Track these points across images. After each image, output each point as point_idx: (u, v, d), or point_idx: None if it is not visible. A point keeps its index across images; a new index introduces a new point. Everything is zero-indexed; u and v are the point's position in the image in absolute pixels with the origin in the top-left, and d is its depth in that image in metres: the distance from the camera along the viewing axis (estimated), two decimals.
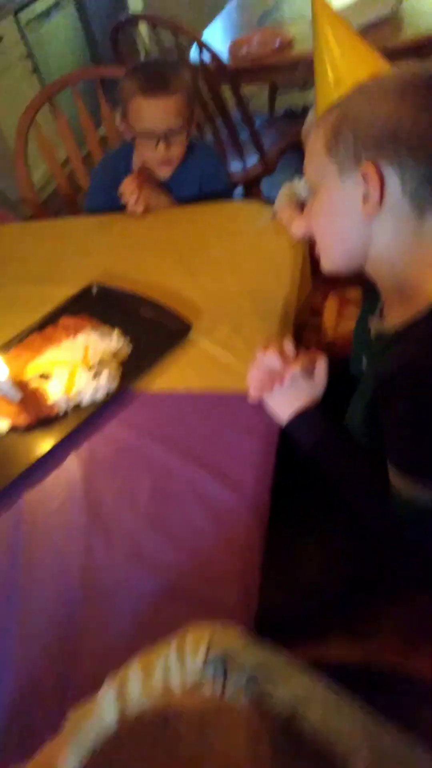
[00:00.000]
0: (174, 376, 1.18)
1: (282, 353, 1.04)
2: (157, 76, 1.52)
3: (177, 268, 1.45)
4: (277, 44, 2.37)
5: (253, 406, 1.06)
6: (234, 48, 2.43)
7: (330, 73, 0.76)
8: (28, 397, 1.15)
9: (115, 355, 1.22)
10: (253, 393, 1.05)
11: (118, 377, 1.17)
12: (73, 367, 1.18)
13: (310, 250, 1.41)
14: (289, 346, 1.05)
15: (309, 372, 1.03)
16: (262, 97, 3.78)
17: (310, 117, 1.27)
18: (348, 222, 0.84)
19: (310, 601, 1.02)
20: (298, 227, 1.42)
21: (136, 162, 1.74)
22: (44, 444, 1.10)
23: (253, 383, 1.05)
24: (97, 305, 1.36)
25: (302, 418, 1.00)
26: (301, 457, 0.99)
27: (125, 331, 1.26)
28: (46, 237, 1.72)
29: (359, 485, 0.94)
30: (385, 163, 0.78)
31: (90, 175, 1.91)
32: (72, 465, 1.08)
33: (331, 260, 0.93)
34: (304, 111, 3.54)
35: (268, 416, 1.04)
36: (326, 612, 1.01)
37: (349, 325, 1.43)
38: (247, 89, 3.18)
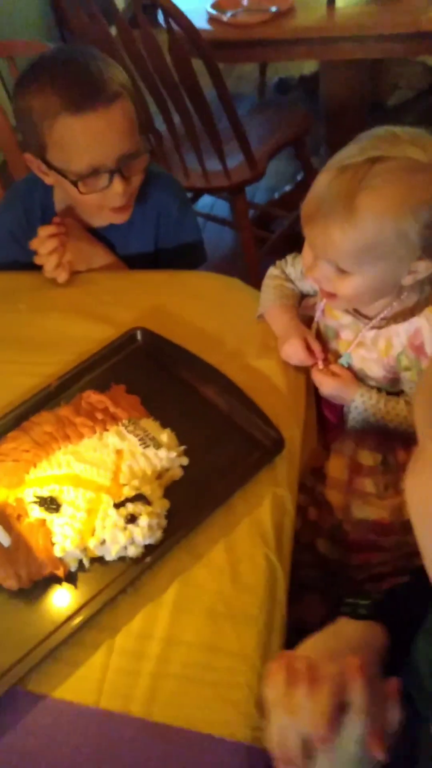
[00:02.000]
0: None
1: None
2: (85, 78, 0.92)
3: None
4: (273, 10, 1.66)
5: None
6: (216, 12, 1.71)
7: None
8: (22, 541, 0.74)
9: (160, 476, 0.79)
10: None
11: (162, 523, 0.75)
12: (96, 498, 0.76)
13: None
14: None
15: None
16: (246, 68, 2.93)
17: (318, 186, 0.76)
18: None
19: None
20: (293, 355, 0.90)
21: (59, 201, 1.14)
22: (40, 626, 0.70)
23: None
24: (140, 367, 0.91)
25: None
26: None
27: (181, 433, 0.83)
28: None
29: None
30: None
31: None
32: None
33: None
34: (302, 82, 2.75)
35: None
36: None
37: (364, 511, 0.96)
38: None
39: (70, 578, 0.72)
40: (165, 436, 0.80)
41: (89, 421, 0.81)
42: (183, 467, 0.79)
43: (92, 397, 0.85)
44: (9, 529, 0.73)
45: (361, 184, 0.71)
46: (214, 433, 0.81)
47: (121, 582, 0.70)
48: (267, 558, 0.73)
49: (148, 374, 0.89)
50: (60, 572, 0.71)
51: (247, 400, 0.82)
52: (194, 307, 1.01)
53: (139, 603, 0.71)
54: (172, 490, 0.78)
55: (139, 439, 0.79)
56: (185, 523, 0.73)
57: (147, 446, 0.79)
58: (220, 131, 1.66)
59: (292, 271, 0.99)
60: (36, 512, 0.74)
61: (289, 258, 1.00)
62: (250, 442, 0.80)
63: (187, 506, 0.75)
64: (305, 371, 0.91)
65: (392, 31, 1.60)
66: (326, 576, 1.10)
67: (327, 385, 0.88)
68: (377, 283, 0.78)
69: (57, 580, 0.72)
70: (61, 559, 0.72)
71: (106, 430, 0.81)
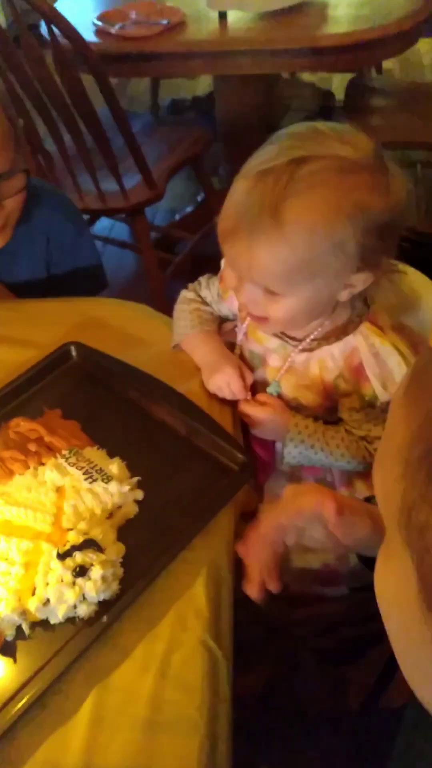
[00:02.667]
0: None
1: None
2: None
3: None
4: (163, 24, 1.60)
5: None
6: (103, 24, 1.63)
7: None
8: None
9: (111, 515, 0.67)
10: None
11: (118, 573, 0.62)
12: (35, 548, 0.62)
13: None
14: None
15: None
16: (138, 88, 2.90)
17: (236, 196, 0.65)
18: None
19: None
20: (225, 387, 0.77)
21: None
22: None
23: None
24: (77, 389, 0.79)
25: None
26: None
27: (132, 462, 0.71)
28: None
29: None
30: None
31: None
32: None
33: None
34: (195, 103, 2.76)
35: None
36: None
37: (305, 559, 0.87)
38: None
39: (7, 649, 0.58)
40: (114, 466, 0.67)
41: (20, 455, 0.67)
42: (138, 502, 0.67)
43: (21, 425, 0.71)
44: None
45: (285, 190, 0.60)
46: (172, 460, 0.70)
47: (73, 650, 0.56)
48: (204, 644, 0.58)
49: (88, 396, 0.76)
50: None
51: (207, 419, 0.71)
52: (98, 338, 0.83)
53: (45, 722, 0.54)
54: (126, 532, 0.65)
55: (84, 472, 0.66)
56: (146, 570, 0.61)
57: (93, 480, 0.66)
58: (115, 150, 1.54)
59: (207, 294, 0.86)
60: None
61: (202, 280, 0.88)
62: (214, 467, 0.69)
63: (146, 549, 0.63)
64: (231, 404, 0.78)
65: (285, 46, 1.56)
66: (266, 634, 0.99)
67: (257, 417, 0.76)
68: (313, 303, 0.68)
69: None
70: None
71: (42, 464, 0.68)
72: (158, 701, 0.55)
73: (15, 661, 0.57)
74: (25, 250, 0.98)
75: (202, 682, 0.56)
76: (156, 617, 0.60)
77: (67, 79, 1.42)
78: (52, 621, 0.59)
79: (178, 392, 0.74)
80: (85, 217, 2.05)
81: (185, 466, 0.69)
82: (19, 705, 0.53)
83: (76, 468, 0.67)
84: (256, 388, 0.81)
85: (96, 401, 0.75)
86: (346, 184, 0.61)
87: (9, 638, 0.58)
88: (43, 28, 1.43)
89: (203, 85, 2.85)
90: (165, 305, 0.92)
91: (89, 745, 0.53)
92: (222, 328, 0.87)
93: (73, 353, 0.80)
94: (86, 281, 1.06)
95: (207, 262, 0.88)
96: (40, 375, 0.78)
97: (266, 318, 0.70)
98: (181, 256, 1.88)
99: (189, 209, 2.23)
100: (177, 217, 2.24)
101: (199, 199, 2.21)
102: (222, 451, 0.69)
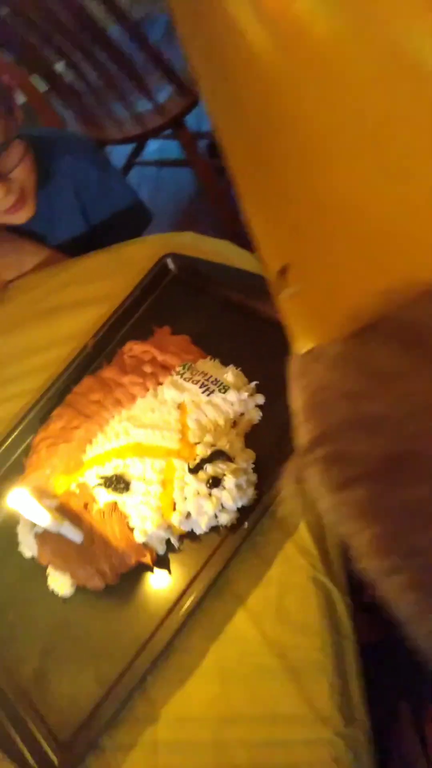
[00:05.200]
0: None
1: None
2: None
3: None
4: None
5: None
6: None
7: None
8: (96, 533, 0.61)
9: (235, 423, 0.64)
10: None
11: (252, 479, 0.60)
12: (168, 466, 0.62)
13: None
14: None
15: None
16: None
17: None
18: None
19: None
20: None
21: None
22: (144, 622, 0.58)
23: None
24: (181, 301, 0.75)
25: None
26: None
27: (248, 367, 0.67)
28: None
29: None
30: None
31: None
32: None
33: None
34: None
35: None
36: None
37: None
38: None
39: (162, 563, 0.59)
40: (230, 374, 0.64)
41: (138, 378, 0.66)
42: (261, 407, 0.64)
43: (134, 348, 0.69)
44: (78, 522, 0.60)
45: None
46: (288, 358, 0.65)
47: (224, 554, 0.56)
48: (315, 581, 0.54)
49: (193, 307, 0.72)
50: (147, 559, 0.58)
51: None
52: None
53: (172, 678, 0.54)
54: (253, 438, 0.62)
55: (200, 386, 0.64)
56: (278, 472, 0.59)
57: (211, 392, 0.63)
58: (138, 67, 1.39)
59: None
60: (104, 496, 0.61)
61: None
62: None
63: (277, 452, 0.60)
64: None
65: None
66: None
67: None
68: None
69: (147, 568, 0.60)
70: (145, 545, 0.59)
71: (160, 383, 0.66)
72: (280, 648, 0.52)
73: (170, 572, 0.59)
74: (58, 210, 0.92)
75: (321, 622, 0.52)
76: (261, 565, 0.56)
77: (69, 8, 1.29)
78: (197, 532, 0.59)
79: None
80: (131, 146, 1.92)
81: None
82: (185, 607, 0.54)
83: (192, 383, 0.64)
84: None
85: (202, 311, 0.71)
86: None
87: (161, 552, 0.59)
88: None
89: None
90: (229, 213, 0.83)
91: (217, 697, 0.52)
92: None
93: (171, 266, 0.76)
94: (128, 223, 1.00)
95: None
96: (143, 295, 0.75)
97: None
98: None
99: None
100: None
101: None
102: None
